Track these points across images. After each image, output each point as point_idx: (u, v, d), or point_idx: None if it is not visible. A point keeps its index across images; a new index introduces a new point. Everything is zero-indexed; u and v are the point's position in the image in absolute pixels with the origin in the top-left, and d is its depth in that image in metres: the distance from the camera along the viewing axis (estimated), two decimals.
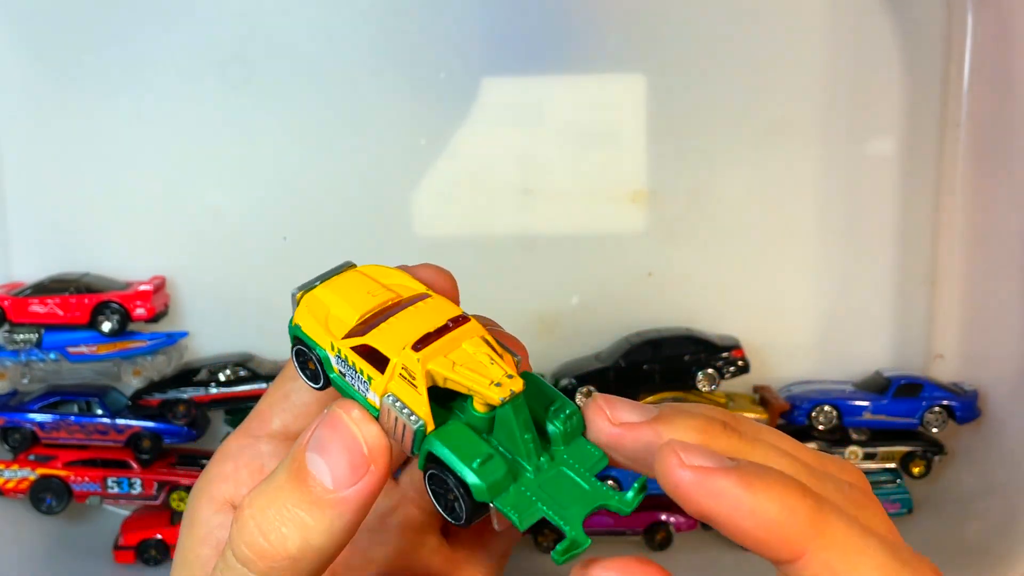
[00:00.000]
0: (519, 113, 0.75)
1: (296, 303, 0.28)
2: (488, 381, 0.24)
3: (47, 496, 0.72)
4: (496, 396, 0.24)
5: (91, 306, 0.72)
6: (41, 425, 0.72)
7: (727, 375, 0.73)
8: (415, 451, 0.25)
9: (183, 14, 0.73)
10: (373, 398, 0.25)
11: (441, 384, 0.24)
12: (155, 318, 0.73)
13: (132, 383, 0.72)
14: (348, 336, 0.25)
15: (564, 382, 0.73)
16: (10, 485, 0.72)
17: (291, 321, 0.27)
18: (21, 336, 0.72)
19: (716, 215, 0.77)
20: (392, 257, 0.81)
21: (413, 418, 0.24)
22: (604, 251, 0.77)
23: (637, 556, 0.22)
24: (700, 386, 0.73)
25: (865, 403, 0.73)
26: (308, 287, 0.28)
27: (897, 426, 0.74)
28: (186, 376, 0.73)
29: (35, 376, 0.74)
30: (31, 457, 0.72)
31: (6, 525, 0.73)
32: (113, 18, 0.73)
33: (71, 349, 0.72)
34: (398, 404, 0.24)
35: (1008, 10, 0.70)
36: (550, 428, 0.25)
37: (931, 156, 0.76)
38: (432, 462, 0.24)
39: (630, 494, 0.24)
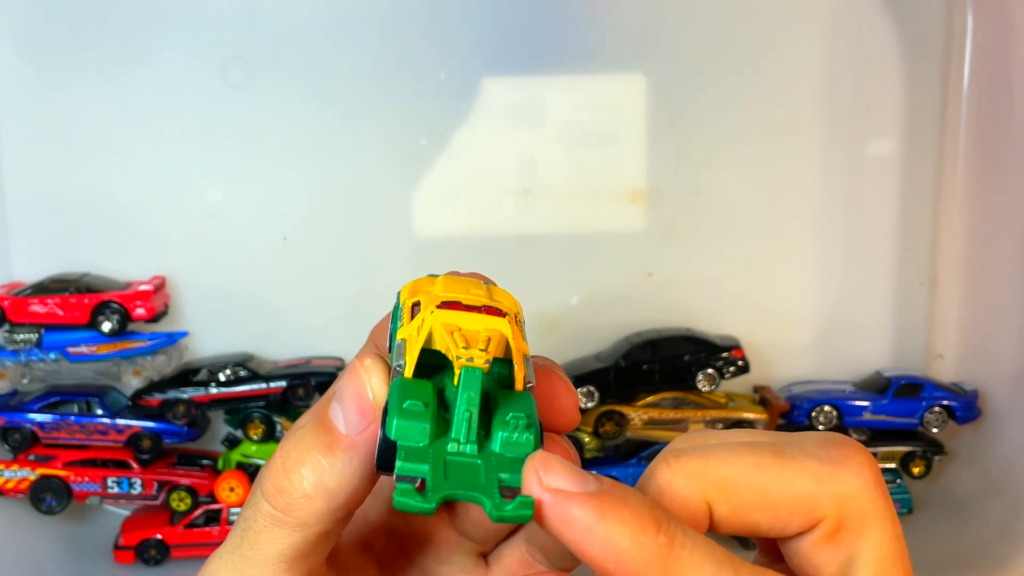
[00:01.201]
0: (519, 113, 0.75)
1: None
2: (463, 344, 0.24)
3: (47, 496, 0.72)
4: (454, 355, 0.24)
5: (91, 306, 0.72)
6: (41, 425, 0.72)
7: (727, 375, 0.73)
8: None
9: (183, 14, 0.73)
10: (396, 342, 0.26)
11: (436, 345, 0.25)
12: (155, 318, 0.73)
13: (132, 383, 0.72)
14: (418, 296, 0.27)
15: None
16: (10, 485, 0.72)
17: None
18: (21, 336, 0.72)
19: (716, 215, 0.77)
20: (392, 257, 0.82)
21: (400, 362, 0.25)
22: (604, 251, 0.77)
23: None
24: (700, 386, 0.73)
25: (865, 403, 0.73)
26: (434, 275, 0.29)
27: (897, 426, 0.74)
28: (186, 376, 0.73)
29: (35, 376, 0.74)
30: (31, 457, 0.72)
31: (6, 525, 0.73)
32: (113, 18, 0.73)
33: (71, 349, 0.72)
34: (402, 348, 0.25)
35: (1008, 10, 0.70)
36: (499, 431, 0.24)
37: (931, 156, 0.76)
38: (384, 405, 0.25)
39: (509, 507, 0.23)
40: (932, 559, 0.66)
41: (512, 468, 0.24)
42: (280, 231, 0.76)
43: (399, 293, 0.28)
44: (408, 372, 0.25)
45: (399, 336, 0.26)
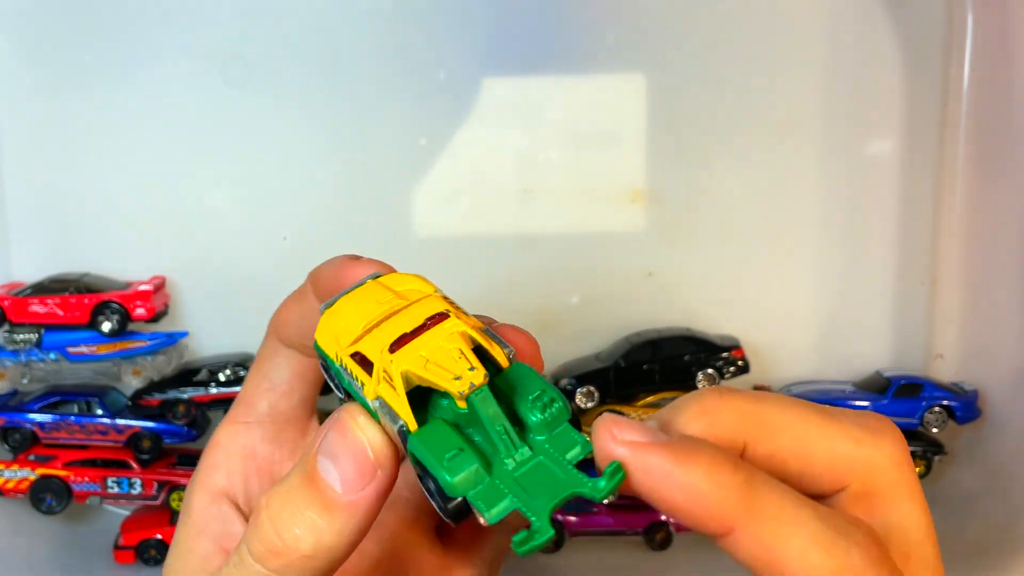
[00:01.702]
0: (519, 113, 0.75)
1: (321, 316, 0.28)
2: (451, 375, 0.24)
3: (47, 496, 0.72)
4: (455, 389, 0.24)
5: (91, 306, 0.72)
6: (41, 425, 0.72)
7: (727, 375, 0.73)
8: (406, 451, 0.25)
9: (183, 13, 0.73)
10: (368, 403, 0.25)
11: (416, 383, 0.24)
12: (155, 318, 0.73)
13: (132, 383, 0.72)
14: (350, 345, 0.26)
15: (564, 382, 0.73)
16: (10, 485, 0.72)
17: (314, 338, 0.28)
18: (21, 336, 0.72)
19: (716, 215, 0.77)
20: (392, 257, 0.81)
21: (396, 421, 0.24)
22: (604, 251, 0.77)
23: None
24: (700, 386, 0.73)
25: (865, 403, 0.73)
26: (330, 303, 0.28)
27: (897, 426, 0.74)
28: (186, 376, 0.73)
29: (35, 376, 0.74)
30: (31, 457, 0.72)
31: (6, 525, 0.73)
32: (113, 17, 0.73)
33: (71, 349, 0.72)
34: (384, 407, 0.24)
35: (1008, 10, 0.70)
36: (530, 418, 0.24)
37: (931, 156, 0.76)
38: (416, 463, 0.24)
39: (603, 481, 0.23)
40: None
41: (567, 444, 0.24)
42: (280, 231, 0.76)
43: (317, 345, 0.27)
44: (413, 426, 0.24)
45: (369, 397, 0.25)
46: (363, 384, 0.25)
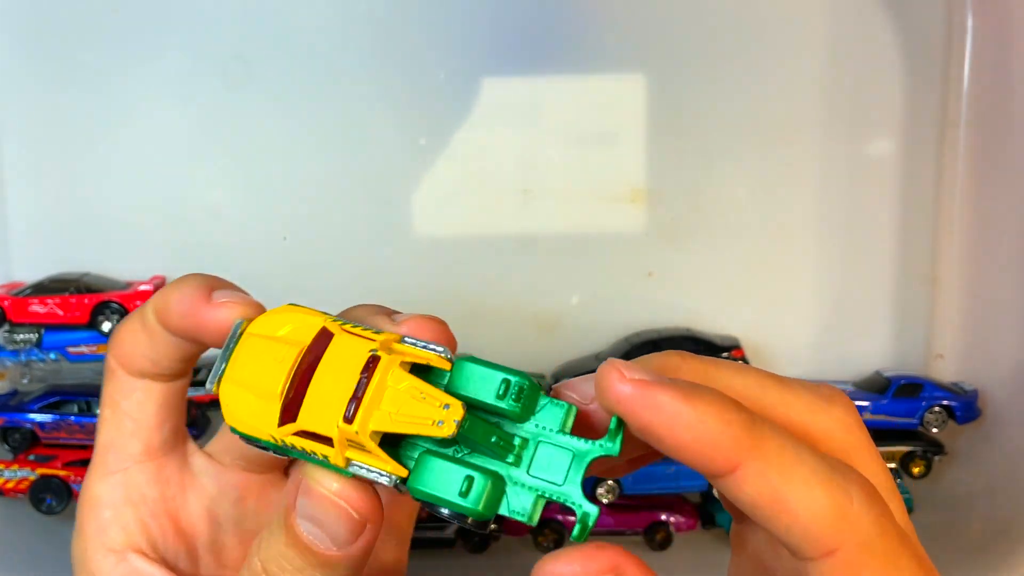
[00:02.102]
0: (519, 113, 0.75)
1: (217, 396, 0.26)
2: (429, 422, 0.23)
3: (47, 496, 0.72)
4: (443, 434, 0.23)
5: (91, 306, 0.72)
6: (41, 425, 0.72)
7: None
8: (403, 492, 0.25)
9: (183, 13, 0.73)
10: (338, 468, 0.24)
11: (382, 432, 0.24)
12: None
13: None
14: (282, 424, 0.24)
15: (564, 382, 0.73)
16: (10, 485, 0.72)
17: (224, 417, 0.26)
18: (21, 336, 0.72)
19: (716, 215, 0.77)
20: (392, 257, 0.82)
21: (384, 476, 0.24)
22: (604, 251, 0.77)
23: (594, 543, 0.23)
24: None
25: (865, 403, 0.73)
26: (217, 375, 0.25)
27: (897, 426, 0.74)
28: None
29: (35, 376, 0.74)
30: (31, 457, 0.72)
31: (6, 525, 0.73)
32: (113, 17, 0.73)
33: (71, 349, 0.72)
34: (363, 469, 0.24)
35: (1008, 10, 0.70)
36: (508, 411, 0.24)
37: (931, 156, 0.76)
38: (424, 501, 0.24)
39: (608, 438, 0.24)
40: (932, 559, 0.66)
41: (554, 417, 0.24)
42: (280, 231, 0.76)
43: (236, 430, 0.25)
44: (404, 473, 0.24)
45: (340, 464, 0.24)
46: (326, 456, 0.24)
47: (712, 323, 0.76)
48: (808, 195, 0.77)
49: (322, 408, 0.24)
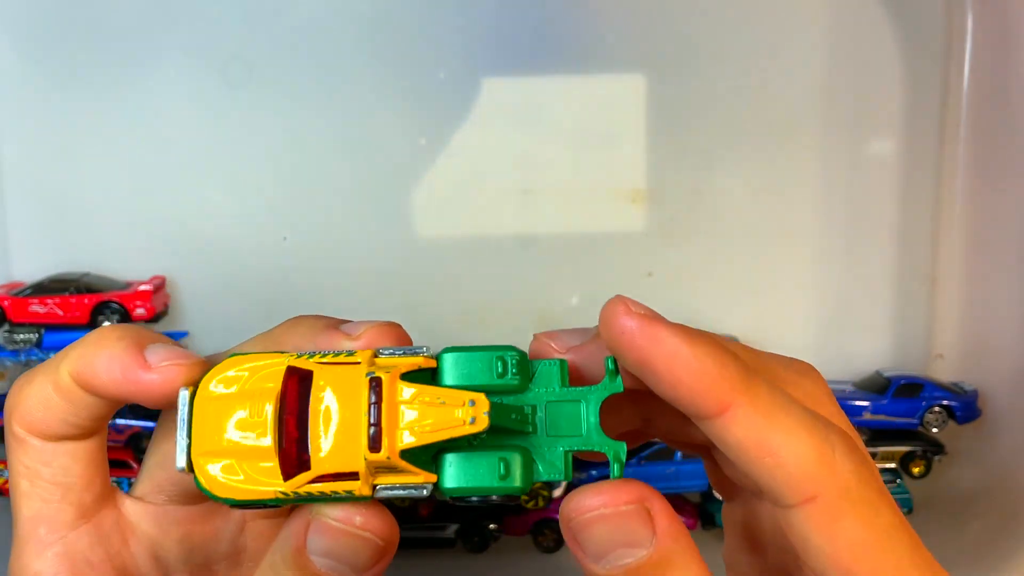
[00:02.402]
0: (519, 113, 0.75)
1: (192, 473, 0.24)
2: (460, 423, 0.23)
3: None
4: (480, 428, 0.23)
5: (91, 306, 0.72)
6: None
7: None
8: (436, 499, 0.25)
9: (183, 14, 0.73)
10: (362, 497, 0.24)
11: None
12: (155, 318, 0.73)
13: None
14: (290, 477, 0.23)
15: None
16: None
17: (205, 490, 0.24)
18: (21, 336, 0.72)
19: (716, 215, 0.77)
20: (392, 257, 0.82)
21: (419, 489, 0.24)
22: (604, 251, 0.77)
23: (620, 479, 0.24)
24: None
25: (865, 403, 0.73)
26: (185, 453, 0.24)
27: (897, 426, 0.74)
28: None
29: None
30: None
31: (6, 525, 0.73)
32: (113, 18, 0.73)
33: None
34: (395, 489, 0.24)
35: (1008, 10, 0.70)
36: (510, 384, 0.25)
37: (931, 156, 0.76)
38: (461, 499, 0.24)
39: (608, 379, 0.25)
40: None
41: (550, 375, 0.25)
42: (280, 231, 0.76)
43: (231, 499, 0.24)
44: (434, 478, 0.24)
45: (365, 493, 0.23)
46: (350, 490, 0.23)
47: (712, 323, 0.76)
48: (808, 195, 0.77)
49: (338, 446, 0.23)
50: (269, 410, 0.23)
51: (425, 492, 0.24)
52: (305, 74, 0.75)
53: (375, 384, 0.23)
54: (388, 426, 0.23)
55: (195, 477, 0.24)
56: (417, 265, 0.77)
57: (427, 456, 0.24)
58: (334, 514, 0.24)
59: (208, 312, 0.77)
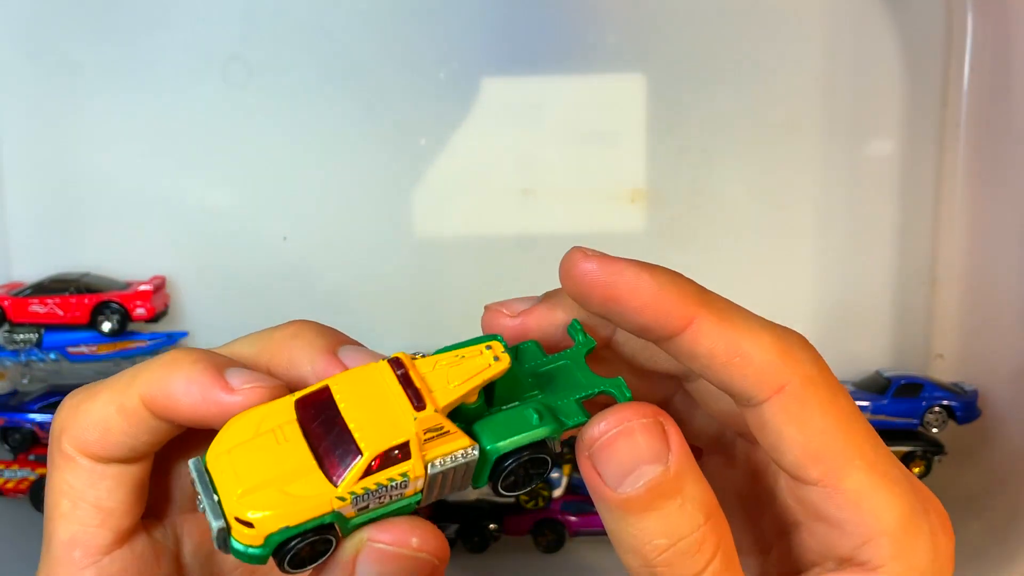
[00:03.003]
0: (519, 113, 0.75)
1: (226, 530, 0.23)
2: (486, 365, 0.24)
3: None
4: (507, 364, 0.25)
5: (91, 306, 0.72)
6: (41, 425, 0.72)
7: None
8: (477, 480, 0.25)
9: (183, 14, 0.73)
10: (412, 487, 0.24)
11: (455, 405, 0.24)
12: (155, 318, 0.73)
13: None
14: (341, 481, 0.22)
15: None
16: (10, 485, 0.72)
17: (242, 545, 0.22)
18: (21, 336, 0.72)
19: (716, 215, 0.77)
20: (392, 257, 0.82)
21: (467, 454, 0.24)
22: (604, 251, 0.77)
23: (635, 402, 0.25)
24: None
25: (865, 403, 0.73)
26: (218, 516, 0.22)
27: (897, 426, 0.74)
28: None
29: (35, 376, 0.74)
30: (31, 457, 0.72)
31: (6, 525, 0.73)
32: (113, 18, 0.73)
33: (71, 349, 0.72)
34: (447, 459, 0.24)
35: (1008, 10, 0.70)
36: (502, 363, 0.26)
37: (931, 156, 0.76)
38: (505, 459, 0.25)
39: (580, 340, 0.27)
40: None
41: (532, 351, 0.28)
42: (280, 231, 0.76)
43: (275, 534, 0.22)
44: (471, 442, 0.25)
45: (417, 474, 0.23)
46: (405, 474, 0.23)
47: None
48: (808, 195, 0.77)
49: (383, 423, 0.23)
50: (294, 431, 0.23)
51: (475, 454, 0.24)
52: (305, 74, 0.75)
53: (396, 362, 0.24)
54: (424, 391, 0.24)
55: (231, 540, 0.22)
56: (417, 265, 0.77)
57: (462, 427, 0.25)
58: (384, 538, 0.23)
59: (208, 312, 0.77)
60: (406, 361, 0.24)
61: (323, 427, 0.23)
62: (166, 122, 0.75)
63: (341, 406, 0.23)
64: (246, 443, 0.23)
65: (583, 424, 0.25)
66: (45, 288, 0.72)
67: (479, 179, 0.76)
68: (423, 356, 0.25)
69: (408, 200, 0.76)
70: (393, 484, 0.23)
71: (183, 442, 0.28)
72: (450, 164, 0.75)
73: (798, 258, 0.78)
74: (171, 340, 0.73)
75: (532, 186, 0.76)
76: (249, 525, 0.22)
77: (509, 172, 0.76)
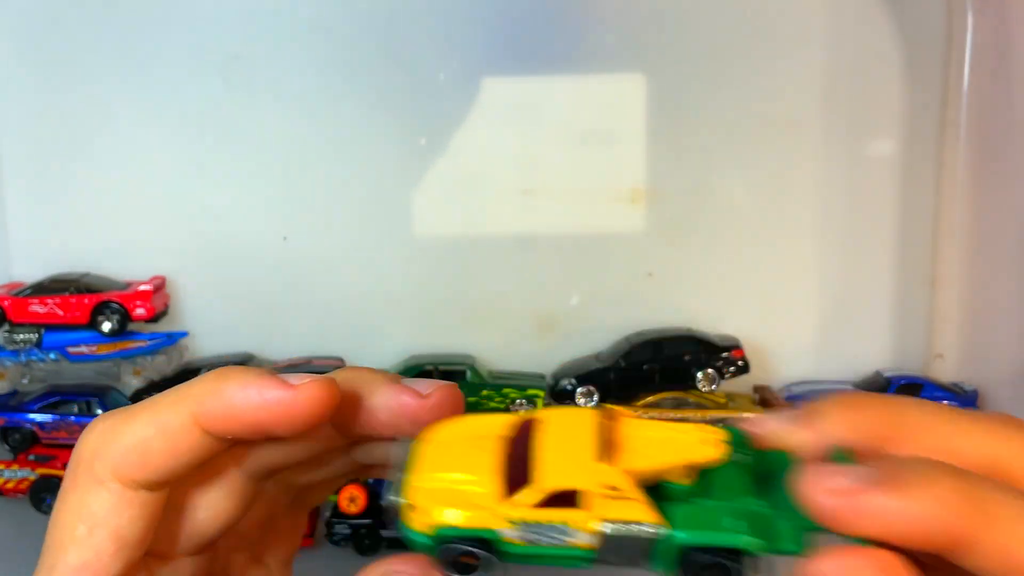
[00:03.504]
0: (519, 113, 0.75)
1: (401, 508, 0.23)
2: (695, 447, 0.22)
3: (47, 496, 0.72)
4: (717, 455, 0.22)
5: (91, 306, 0.72)
6: (41, 425, 0.72)
7: (727, 375, 0.73)
8: (652, 564, 0.22)
9: (183, 14, 0.73)
10: (582, 539, 0.22)
11: (649, 476, 0.22)
12: (155, 318, 0.73)
13: (132, 383, 0.72)
14: (509, 498, 0.22)
15: (564, 382, 0.73)
16: (10, 485, 0.72)
17: (409, 528, 0.23)
18: (21, 336, 0.72)
19: (716, 215, 0.77)
20: (392, 257, 0.82)
21: (651, 529, 0.22)
22: (604, 251, 0.77)
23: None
24: (700, 386, 0.73)
25: None
26: (398, 486, 0.23)
27: None
28: (186, 376, 0.73)
29: (35, 376, 0.74)
30: (31, 457, 0.72)
31: (6, 525, 0.73)
32: (113, 18, 0.73)
33: (71, 349, 0.72)
34: (624, 526, 0.22)
35: (1008, 10, 0.70)
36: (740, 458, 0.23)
37: (931, 156, 0.76)
38: (694, 551, 0.22)
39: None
40: None
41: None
42: (280, 231, 0.76)
43: (438, 529, 0.22)
44: (667, 526, 0.22)
45: (587, 529, 0.22)
46: (565, 523, 0.22)
47: (712, 323, 0.76)
48: (808, 195, 0.77)
49: (564, 461, 0.22)
50: (496, 446, 0.23)
51: (653, 532, 0.22)
52: (305, 74, 0.75)
53: (606, 411, 0.23)
54: (617, 445, 0.22)
55: (403, 523, 0.22)
56: (417, 265, 0.77)
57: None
58: None
59: (208, 312, 0.77)
60: (615, 413, 0.23)
61: (517, 451, 0.23)
62: (166, 122, 0.75)
63: (539, 437, 0.23)
64: (450, 442, 0.23)
65: (794, 555, 0.21)
66: (45, 288, 0.72)
67: (479, 179, 0.76)
68: (643, 418, 0.23)
69: (408, 200, 0.76)
70: (553, 528, 0.22)
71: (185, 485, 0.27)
72: (450, 164, 0.75)
73: (798, 258, 0.78)
74: (171, 340, 0.73)
75: (532, 186, 0.76)
76: (424, 513, 0.22)
77: (509, 172, 0.76)
